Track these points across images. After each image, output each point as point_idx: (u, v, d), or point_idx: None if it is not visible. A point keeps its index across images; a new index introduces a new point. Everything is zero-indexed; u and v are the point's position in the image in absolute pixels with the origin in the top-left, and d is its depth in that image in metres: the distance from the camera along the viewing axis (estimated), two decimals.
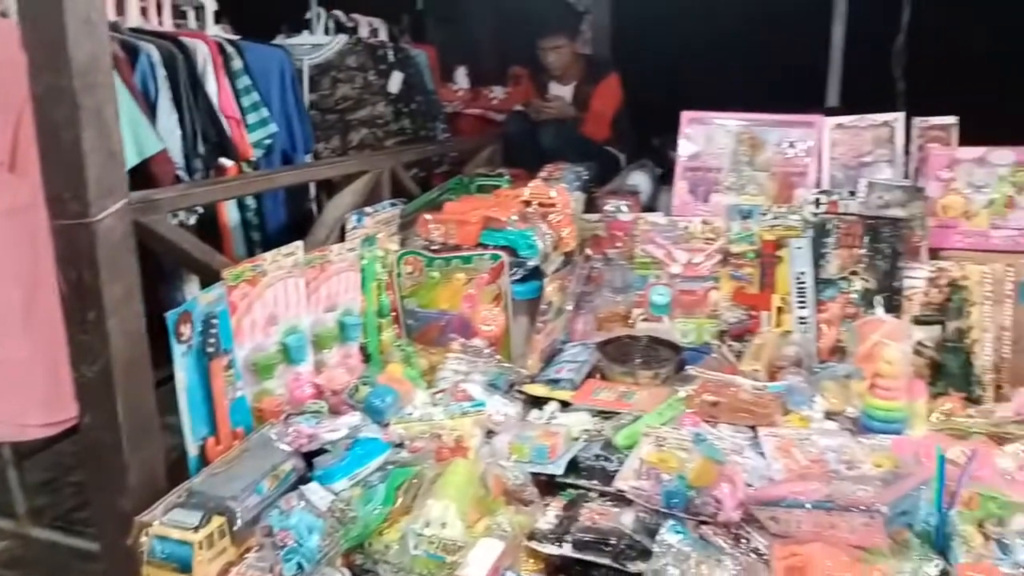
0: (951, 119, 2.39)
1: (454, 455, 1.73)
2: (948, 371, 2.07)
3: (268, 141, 2.41)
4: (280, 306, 1.87)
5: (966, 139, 2.33)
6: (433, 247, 2.31)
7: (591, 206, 2.63)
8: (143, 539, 1.47)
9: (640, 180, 2.83)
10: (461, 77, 3.99)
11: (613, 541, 1.52)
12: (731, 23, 3.99)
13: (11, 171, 1.51)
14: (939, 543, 1.44)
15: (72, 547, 1.77)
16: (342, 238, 2.19)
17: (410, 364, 2.17)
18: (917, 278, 2.17)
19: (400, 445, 1.79)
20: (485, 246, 2.27)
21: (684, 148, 2.59)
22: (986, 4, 3.70)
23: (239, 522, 1.52)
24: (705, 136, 2.62)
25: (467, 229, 2.27)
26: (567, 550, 1.54)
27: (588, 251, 2.56)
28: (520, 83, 3.73)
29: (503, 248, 2.25)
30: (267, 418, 1.80)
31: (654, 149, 3.32)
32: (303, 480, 1.66)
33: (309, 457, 1.72)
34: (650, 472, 1.65)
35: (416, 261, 2.29)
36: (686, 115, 2.62)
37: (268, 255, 1.81)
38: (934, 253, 2.22)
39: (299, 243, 1.88)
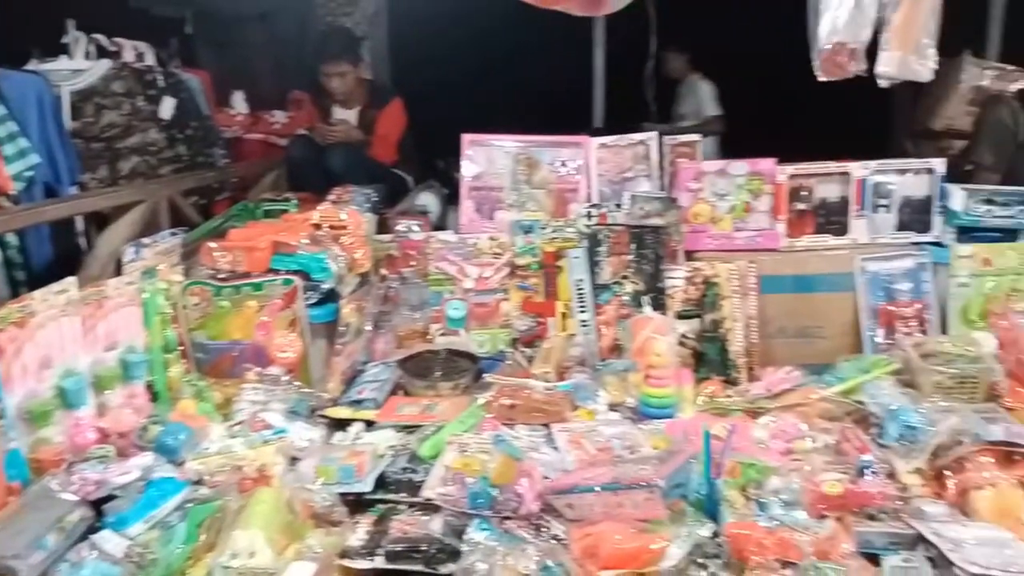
0: (695, 137, 2.70)
1: (257, 485, 1.70)
2: (708, 358, 2.34)
3: (29, 173, 2.22)
4: (54, 348, 1.75)
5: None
6: (220, 276, 2.25)
7: (382, 227, 2.68)
8: None
9: (429, 200, 2.92)
10: (239, 102, 3.90)
11: (424, 547, 1.58)
12: (503, 50, 4.23)
13: None
14: (710, 509, 1.64)
15: None
16: (119, 272, 2.07)
17: (203, 399, 2.10)
18: (677, 278, 2.43)
19: (199, 482, 1.73)
20: (276, 271, 2.25)
21: (467, 169, 2.71)
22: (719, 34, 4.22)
23: None
24: (486, 157, 2.76)
25: (256, 255, 2.23)
26: (379, 563, 1.57)
27: (383, 271, 2.60)
28: (302, 107, 3.70)
29: (295, 272, 2.24)
30: (46, 468, 1.67)
31: (440, 171, 3.44)
32: (94, 529, 1.57)
33: (98, 505, 1.62)
34: (455, 477, 1.73)
35: (203, 291, 2.21)
36: (467, 137, 2.75)
37: (37, 294, 1.68)
38: (689, 255, 2.50)
39: (71, 279, 1.77)
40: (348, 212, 2.47)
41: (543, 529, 1.62)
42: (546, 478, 1.73)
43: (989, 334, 2.26)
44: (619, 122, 3.00)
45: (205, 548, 1.54)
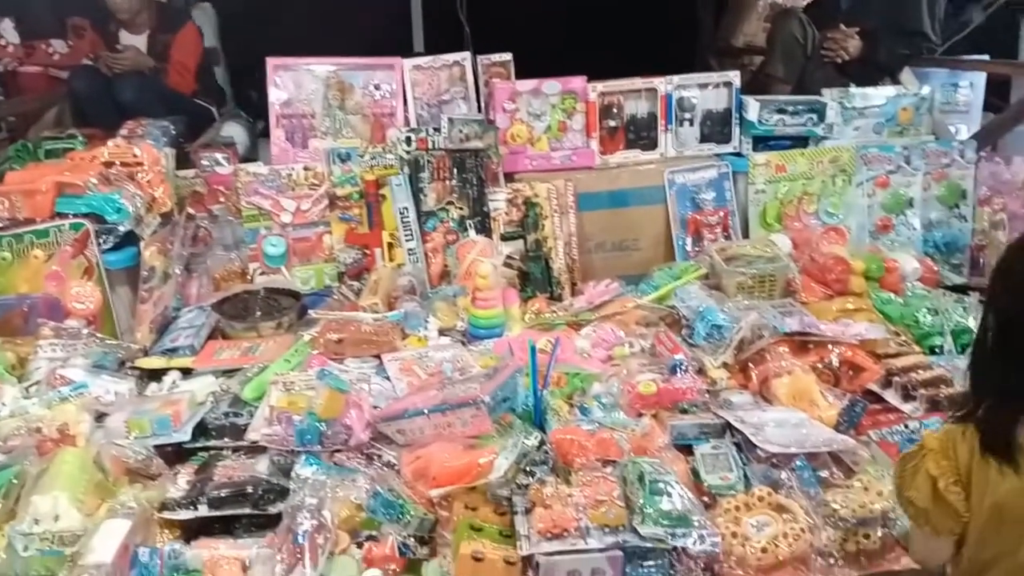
0: (507, 55, 2.68)
1: (59, 445, 1.57)
2: (533, 277, 2.39)
3: None
4: None
5: (526, 73, 2.65)
6: None
7: (185, 162, 2.49)
8: None
9: (235, 131, 2.74)
10: (8, 31, 3.45)
11: (250, 490, 1.52)
12: None
13: None
14: (537, 420, 1.69)
15: None
16: None
17: None
18: (499, 200, 2.44)
19: None
20: (63, 216, 2.04)
21: (275, 95, 2.56)
22: None
23: None
24: (294, 83, 2.61)
25: (37, 199, 2.02)
26: (203, 511, 1.50)
27: (189, 209, 2.43)
28: (83, 35, 3.33)
29: (86, 216, 2.04)
30: None
31: (253, 102, 3.22)
32: None
33: None
34: (281, 416, 1.68)
35: None
36: (271, 61, 2.59)
37: None
38: (509, 177, 2.51)
39: None
40: (142, 147, 2.27)
41: (375, 458, 1.61)
42: (377, 408, 1.72)
43: (785, 236, 2.45)
44: (439, 48, 2.91)
45: (5, 516, 1.41)
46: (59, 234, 2.01)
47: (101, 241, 2.05)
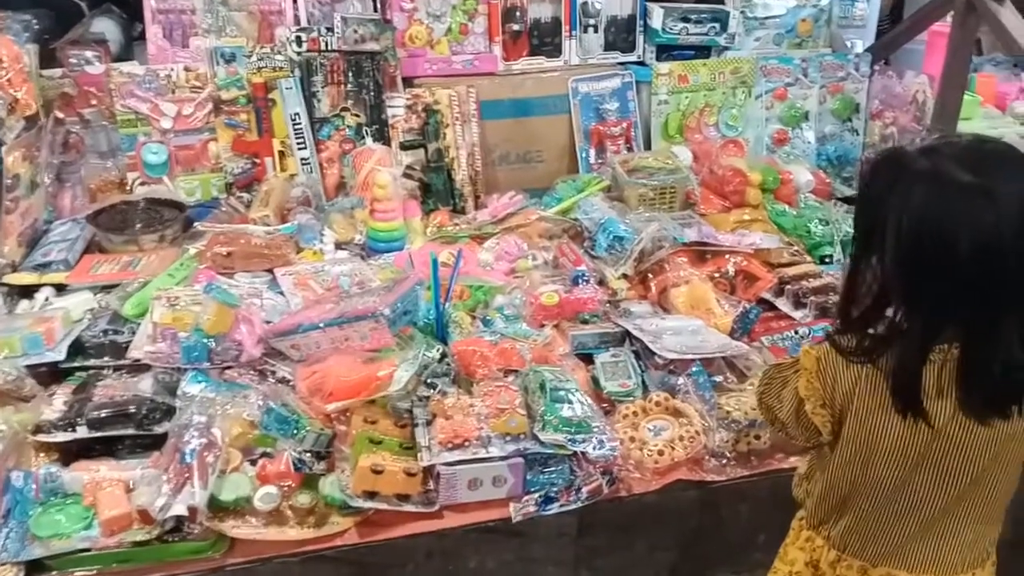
0: None
1: None
2: (434, 188, 2.32)
3: None
4: None
5: None
6: None
7: (51, 61, 2.26)
8: None
9: (106, 27, 2.48)
10: None
11: (133, 410, 1.44)
12: None
13: None
14: (440, 333, 1.66)
15: None
16: None
17: None
18: (397, 107, 2.33)
19: None
20: None
21: None
22: None
23: None
24: None
25: None
26: (82, 432, 1.42)
27: (58, 113, 2.22)
28: None
29: None
30: None
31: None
32: None
33: None
34: (165, 333, 1.59)
35: None
36: None
37: None
38: (408, 82, 2.39)
39: None
40: (1, 42, 2.03)
41: (268, 375, 1.55)
42: (270, 323, 1.65)
43: (686, 148, 2.45)
44: None
45: None
46: None
47: None
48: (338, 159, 2.33)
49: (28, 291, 1.85)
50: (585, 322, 1.73)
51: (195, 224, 2.10)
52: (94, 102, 2.26)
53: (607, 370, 1.59)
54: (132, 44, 2.51)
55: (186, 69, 2.28)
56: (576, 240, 2.06)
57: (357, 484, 1.28)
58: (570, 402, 1.38)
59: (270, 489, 1.29)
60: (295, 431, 1.34)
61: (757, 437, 1.46)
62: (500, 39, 2.45)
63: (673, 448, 1.40)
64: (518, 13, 2.46)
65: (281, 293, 1.84)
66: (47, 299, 1.82)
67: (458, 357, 1.51)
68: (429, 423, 1.39)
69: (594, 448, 1.33)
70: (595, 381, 1.58)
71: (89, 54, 2.27)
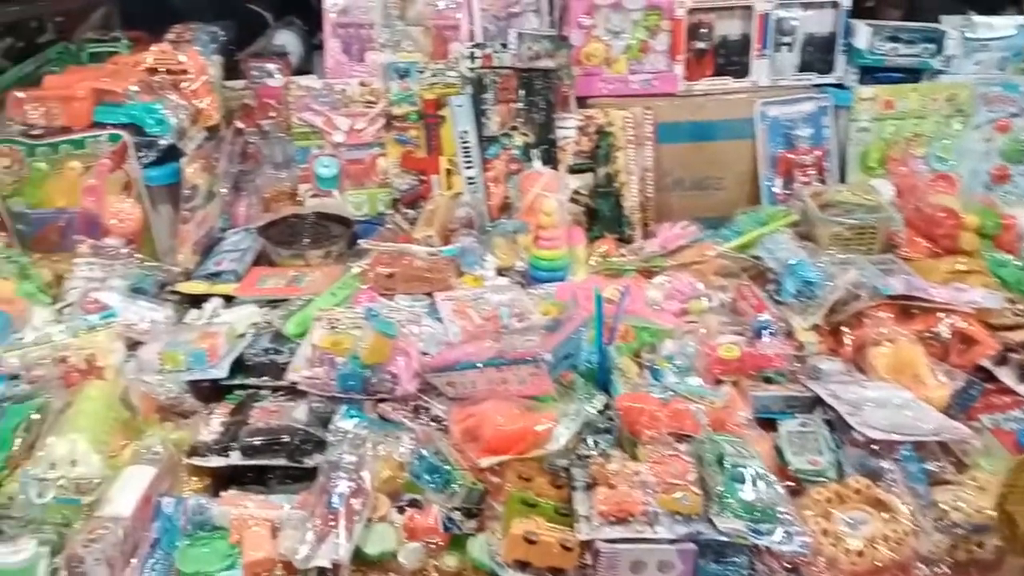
0: None
1: (87, 377, 1.47)
2: (601, 215, 2.18)
3: None
4: None
5: None
6: (34, 132, 1.89)
7: (235, 72, 2.32)
8: None
9: (288, 40, 2.54)
10: None
11: (286, 439, 1.40)
12: None
13: None
14: (601, 379, 1.52)
15: None
16: None
17: (27, 277, 1.80)
18: (568, 128, 2.21)
19: (15, 377, 1.48)
20: (102, 125, 1.90)
21: (332, 1, 2.36)
22: None
23: None
24: None
25: (74, 106, 1.87)
26: (235, 459, 1.39)
27: (239, 124, 2.28)
28: None
29: (125, 127, 1.90)
30: None
31: (311, 8, 3.00)
32: None
33: None
34: (323, 358, 1.55)
35: (13, 152, 1.86)
36: None
37: None
38: (581, 102, 2.27)
39: None
40: (188, 54, 2.10)
41: (422, 411, 1.47)
42: (426, 354, 1.57)
43: (888, 181, 2.19)
44: None
45: (24, 455, 1.32)
46: (97, 145, 1.87)
47: (141, 155, 1.91)
48: (504, 179, 2.25)
49: (198, 300, 1.88)
50: (769, 381, 1.53)
51: (359, 241, 2.07)
52: (272, 114, 2.30)
53: (794, 442, 1.39)
54: (312, 56, 2.55)
55: (361, 84, 2.28)
56: (758, 281, 1.86)
57: (509, 552, 1.17)
58: (753, 482, 1.20)
59: (417, 546, 1.20)
60: (446, 485, 1.24)
61: (980, 545, 1.22)
62: (683, 57, 2.28)
63: (876, 548, 1.19)
64: (704, 30, 2.28)
65: (440, 319, 1.76)
66: (215, 310, 1.83)
67: (623, 414, 1.36)
68: (589, 487, 1.25)
69: (780, 542, 1.15)
70: (779, 452, 1.39)
71: (270, 66, 2.31)
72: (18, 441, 1.32)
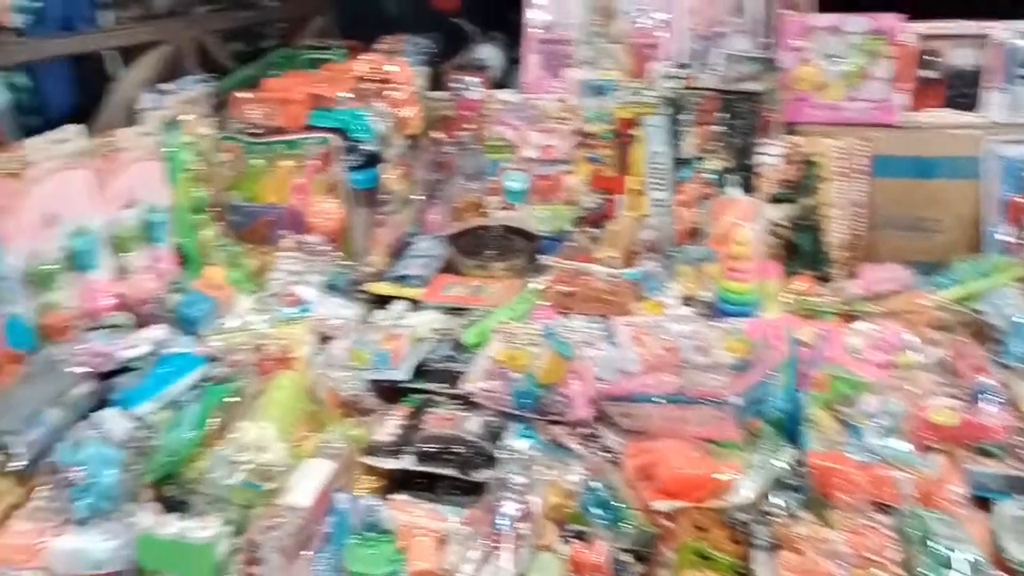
0: None
1: (280, 367, 1.54)
2: (801, 250, 2.04)
3: (36, 4, 1.99)
4: (60, 204, 1.57)
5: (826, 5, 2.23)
6: (254, 131, 2.02)
7: (437, 83, 2.39)
8: None
9: (490, 54, 2.60)
10: None
11: (458, 450, 1.40)
12: None
13: None
14: (790, 428, 1.41)
15: None
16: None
17: (236, 266, 1.93)
18: (771, 155, 2.09)
19: (218, 360, 1.57)
20: (314, 128, 2.01)
21: (534, 17, 2.37)
22: None
23: (19, 460, 1.30)
24: (557, 4, 2.41)
25: (291, 109, 1.99)
26: (407, 463, 1.41)
27: (437, 134, 2.34)
28: None
29: (334, 131, 2.00)
30: (54, 335, 1.53)
31: (510, 24, 3.05)
32: (103, 406, 1.43)
33: (111, 378, 1.48)
34: (499, 371, 1.54)
35: (234, 147, 2.00)
36: None
37: (31, 142, 1.49)
38: (788, 128, 2.14)
39: (74, 127, 1.57)
40: (396, 63, 2.18)
41: (594, 439, 1.42)
42: (601, 380, 1.52)
43: None
44: None
45: (218, 433, 1.40)
46: (308, 147, 1.98)
47: (346, 158, 2.00)
48: (694, 204, 2.16)
49: (385, 301, 1.93)
50: (986, 454, 1.35)
51: (542, 257, 2.06)
52: (469, 126, 2.34)
53: (1014, 528, 1.22)
54: (512, 70, 2.58)
55: (558, 100, 2.27)
56: (977, 339, 1.66)
57: None
58: (965, 570, 1.06)
59: None
60: (615, 523, 1.19)
61: None
62: (908, 86, 2.09)
63: None
64: (934, 58, 2.09)
65: (615, 344, 1.71)
66: (401, 313, 1.87)
67: (816, 472, 1.25)
68: (772, 549, 1.15)
69: None
70: (995, 539, 1.21)
71: (471, 79, 2.36)
72: (214, 421, 1.39)
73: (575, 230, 2.23)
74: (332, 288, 1.89)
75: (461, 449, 1.40)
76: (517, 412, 1.47)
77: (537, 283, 1.93)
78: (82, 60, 2.18)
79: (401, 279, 2.00)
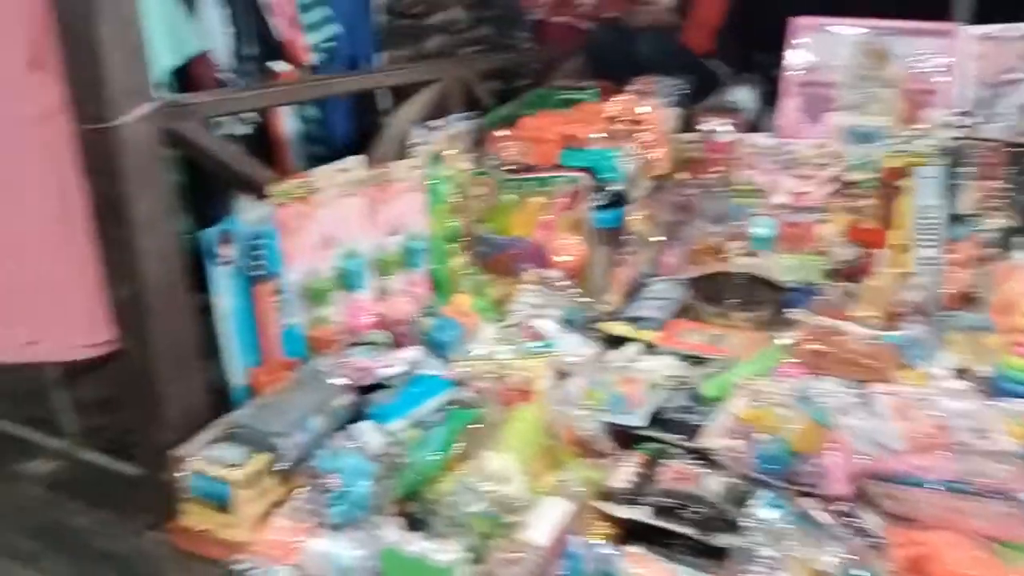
0: None
1: (521, 399, 1.56)
2: None
3: (330, 44, 2.20)
4: (338, 227, 1.71)
5: None
6: (508, 167, 2.09)
7: (687, 125, 2.35)
8: (182, 474, 1.37)
9: (745, 97, 2.52)
10: None
11: (697, 508, 1.33)
12: None
13: (37, 71, 1.36)
14: None
15: (119, 472, 1.70)
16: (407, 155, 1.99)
17: (480, 294, 2.00)
18: None
19: (463, 384, 1.63)
20: (564, 167, 2.04)
21: (796, 60, 2.27)
22: None
23: (285, 461, 1.41)
24: (821, 46, 2.29)
25: (544, 147, 2.04)
26: (643, 514, 1.36)
27: (682, 175, 2.30)
28: None
29: (583, 170, 2.02)
30: (322, 348, 1.66)
31: (758, 65, 2.96)
32: (358, 418, 1.53)
33: (366, 393, 1.58)
34: (743, 431, 1.45)
35: (489, 182, 2.08)
36: (798, 21, 2.30)
37: (319, 171, 1.64)
38: None
39: (355, 158, 1.70)
40: (649, 105, 2.17)
41: (850, 518, 1.30)
42: (861, 455, 1.39)
43: None
44: (995, 13, 2.32)
45: (460, 458, 1.43)
46: (558, 185, 2.01)
47: (593, 197, 2.01)
48: (968, 266, 1.94)
49: (617, 341, 1.91)
50: None
51: (789, 310, 1.94)
52: (717, 168, 2.28)
53: None
54: (766, 113, 2.49)
55: (817, 145, 2.15)
56: None
57: None
58: None
59: None
60: None
61: None
62: None
63: None
64: None
65: (874, 415, 1.55)
66: (634, 355, 1.84)
67: None
68: None
69: None
70: None
71: (723, 122, 2.30)
72: (458, 446, 1.43)
73: (826, 283, 2.09)
74: (569, 324, 1.90)
75: (701, 509, 1.33)
76: (762, 477, 1.38)
77: (784, 338, 1.82)
78: (358, 95, 2.38)
79: (636, 320, 1.97)
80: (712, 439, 1.48)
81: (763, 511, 1.26)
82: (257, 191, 1.54)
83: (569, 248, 2.02)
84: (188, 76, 1.74)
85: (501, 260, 2.12)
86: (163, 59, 1.55)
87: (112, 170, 1.21)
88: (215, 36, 1.88)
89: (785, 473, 1.36)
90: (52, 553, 1.65)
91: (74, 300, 1.46)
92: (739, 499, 1.34)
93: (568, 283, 1.98)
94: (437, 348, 1.72)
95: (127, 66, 1.20)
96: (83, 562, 1.57)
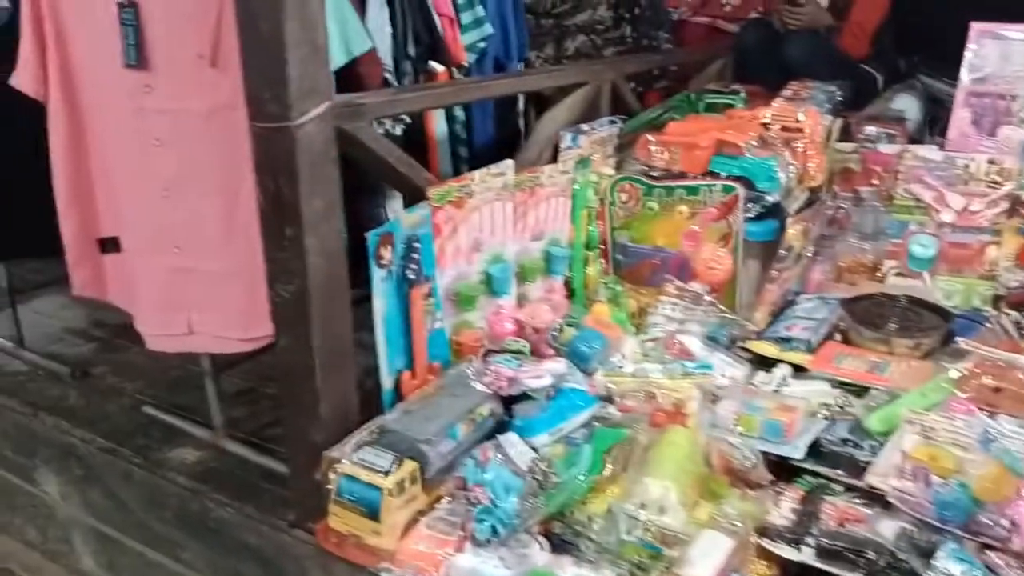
0: None
1: (670, 421, 1.49)
2: None
3: (482, 44, 2.17)
4: (486, 231, 1.68)
5: None
6: (653, 173, 2.02)
7: (846, 134, 2.22)
8: (331, 475, 1.37)
9: (908, 105, 2.34)
10: None
11: (871, 556, 1.23)
12: None
13: (213, 66, 1.39)
14: None
15: (262, 466, 1.72)
16: (554, 159, 1.95)
17: (617, 305, 1.94)
18: None
19: (607, 400, 1.57)
20: (715, 175, 1.95)
21: (971, 68, 2.10)
22: None
23: (432, 469, 1.39)
24: (999, 54, 2.11)
25: (695, 154, 1.95)
26: (807, 556, 1.27)
27: (835, 187, 2.17)
28: None
29: (737, 179, 1.92)
30: (465, 353, 1.64)
31: (921, 72, 2.74)
32: (500, 428, 1.50)
33: (507, 402, 1.55)
34: (917, 471, 1.34)
35: (633, 189, 2.01)
36: (976, 27, 2.12)
37: (476, 174, 1.61)
38: None
39: (509, 162, 1.67)
40: (806, 112, 2.05)
41: None
42: None
43: None
44: None
45: (608, 479, 1.38)
46: (708, 194, 1.92)
47: (746, 209, 1.91)
48: None
49: (764, 362, 1.81)
50: None
51: (957, 340, 1.79)
52: (875, 181, 2.14)
53: None
54: (935, 124, 2.32)
55: (990, 161, 1.99)
56: None
57: None
58: None
59: None
60: None
61: None
62: None
63: None
64: None
65: None
66: (784, 378, 1.74)
67: None
68: None
69: None
70: None
71: (885, 131, 2.16)
72: (607, 466, 1.38)
73: (992, 311, 1.93)
74: (712, 341, 1.82)
75: (874, 556, 1.23)
76: (939, 525, 1.26)
77: (954, 370, 1.68)
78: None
79: (784, 341, 1.86)
80: (881, 478, 1.37)
81: (947, 563, 1.15)
82: (418, 193, 1.53)
83: (716, 261, 1.93)
84: (347, 75, 1.75)
85: (638, 270, 2.05)
86: (334, 58, 1.55)
87: (288, 168, 1.21)
88: (379, 35, 1.88)
89: (966, 522, 1.24)
90: (193, 543, 1.69)
91: (234, 294, 1.49)
92: (920, 549, 1.23)
93: (711, 297, 1.90)
94: (579, 359, 1.67)
95: (309, 66, 1.20)
96: (223, 554, 1.59)
